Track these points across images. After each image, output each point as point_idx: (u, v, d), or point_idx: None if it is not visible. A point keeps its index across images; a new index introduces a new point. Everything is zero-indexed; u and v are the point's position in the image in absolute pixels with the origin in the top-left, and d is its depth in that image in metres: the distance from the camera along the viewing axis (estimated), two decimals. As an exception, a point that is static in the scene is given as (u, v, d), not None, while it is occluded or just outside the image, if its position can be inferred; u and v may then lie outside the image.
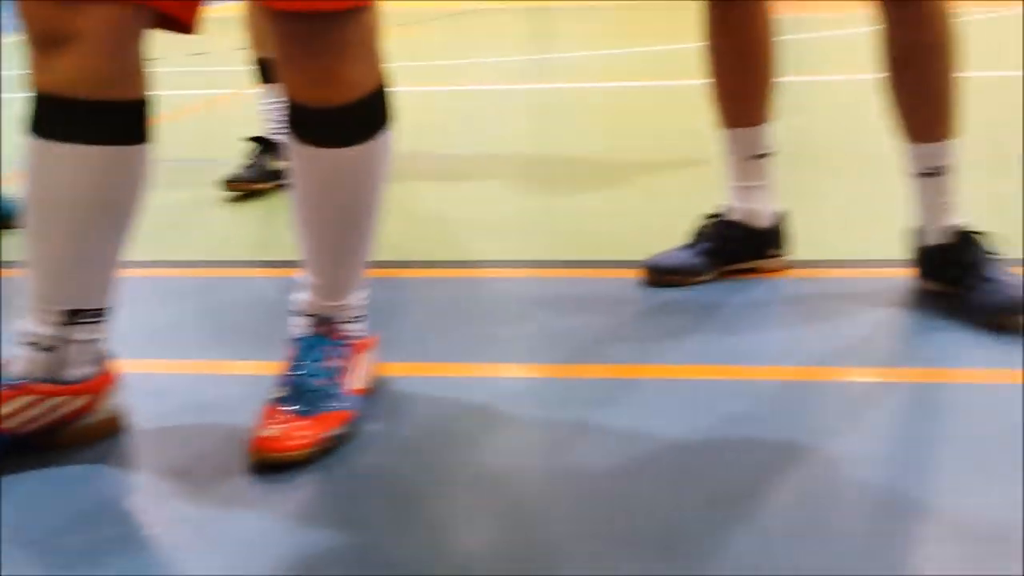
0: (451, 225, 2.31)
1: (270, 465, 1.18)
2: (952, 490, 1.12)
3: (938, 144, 1.65)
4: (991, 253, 1.64)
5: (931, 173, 1.66)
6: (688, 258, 1.82)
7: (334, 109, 1.21)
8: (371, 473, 1.20)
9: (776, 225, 1.85)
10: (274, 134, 2.62)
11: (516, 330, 1.65)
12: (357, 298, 1.36)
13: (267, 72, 2.52)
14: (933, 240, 1.67)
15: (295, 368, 1.29)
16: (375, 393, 1.37)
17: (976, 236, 1.65)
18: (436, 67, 5.36)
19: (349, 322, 1.35)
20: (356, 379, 1.33)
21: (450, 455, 1.25)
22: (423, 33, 7.23)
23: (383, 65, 1.26)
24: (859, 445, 1.22)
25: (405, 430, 1.31)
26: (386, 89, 1.27)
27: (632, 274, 1.82)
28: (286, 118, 1.26)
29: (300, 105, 1.23)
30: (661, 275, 1.81)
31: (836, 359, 1.49)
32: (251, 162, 2.65)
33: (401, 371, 1.45)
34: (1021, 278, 1.59)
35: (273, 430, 1.21)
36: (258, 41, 2.48)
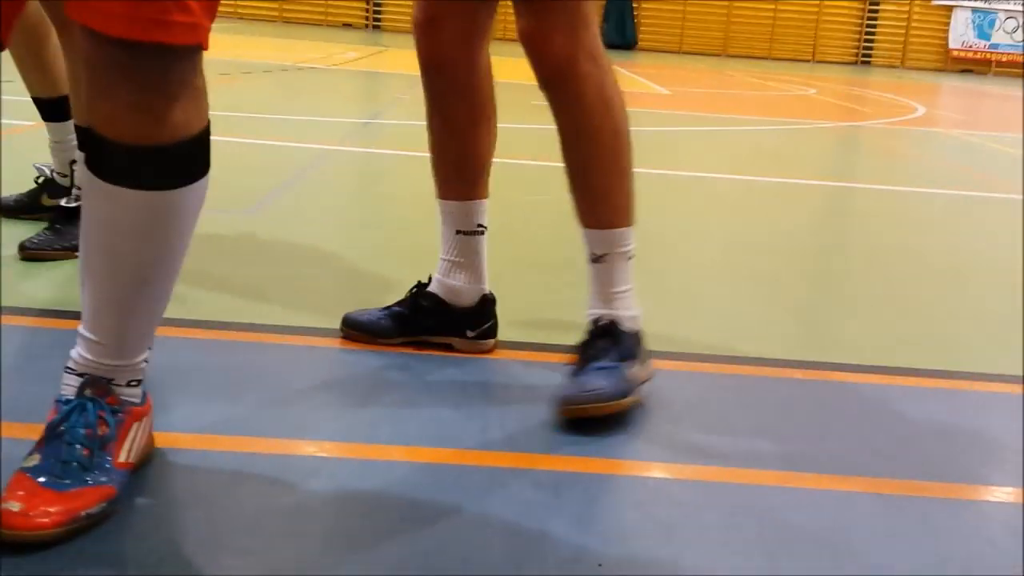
0: (246, 285, 2.20)
1: (9, 544, 1.04)
2: None
3: (604, 231, 1.64)
4: (634, 351, 1.62)
5: (597, 259, 1.65)
6: (378, 319, 1.84)
7: (152, 148, 1.10)
8: (126, 560, 1.07)
9: (479, 305, 1.84)
10: (57, 173, 2.50)
11: (310, 401, 1.57)
12: (139, 359, 1.24)
13: (52, 109, 2.41)
14: (593, 326, 1.65)
15: (55, 434, 1.16)
16: (147, 467, 1.25)
17: (625, 329, 1.62)
18: (258, 120, 5.22)
19: (126, 386, 1.22)
20: (126, 451, 1.20)
21: (214, 545, 1.13)
22: (246, 85, 7.06)
23: (207, 109, 1.16)
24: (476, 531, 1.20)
25: (174, 512, 1.19)
26: (206, 135, 1.17)
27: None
28: (86, 152, 1.14)
29: (111, 140, 1.10)
30: (349, 329, 1.85)
31: (464, 443, 1.45)
32: (22, 196, 2.56)
33: (179, 442, 1.34)
34: (636, 380, 1.59)
35: (16, 504, 1.07)
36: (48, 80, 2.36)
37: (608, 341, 1.62)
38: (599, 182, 1.63)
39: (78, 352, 1.20)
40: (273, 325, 1.91)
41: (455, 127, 1.77)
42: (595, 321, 1.64)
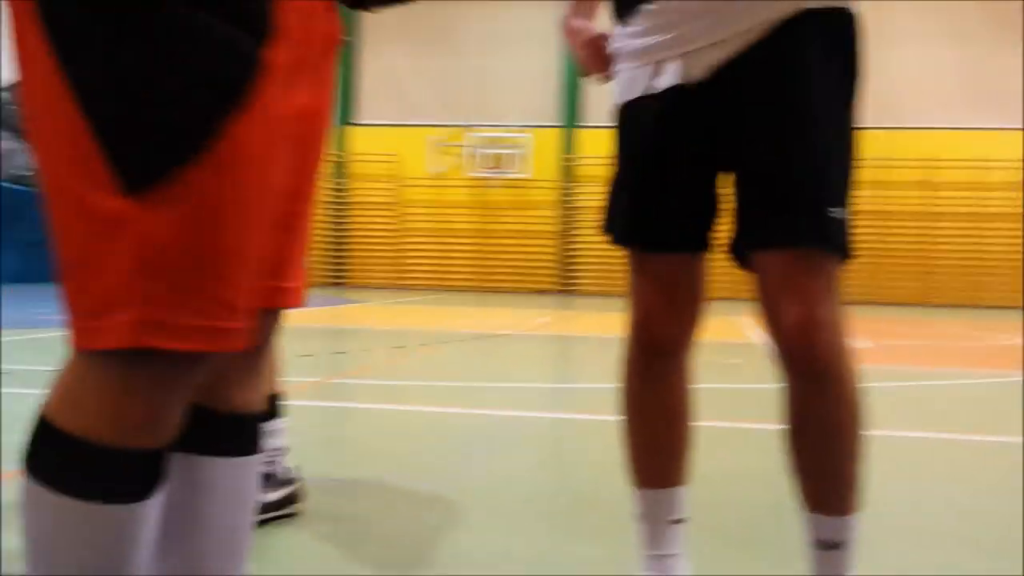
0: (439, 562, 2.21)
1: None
2: None
3: (843, 518, 1.55)
4: None
5: (831, 547, 1.56)
6: None
7: (252, 415, 1.19)
8: None
9: None
10: None
11: None
12: None
13: None
14: None
15: None
16: None
17: None
18: (452, 388, 5.42)
19: None
20: None
21: None
22: (443, 353, 7.40)
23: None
24: None
25: None
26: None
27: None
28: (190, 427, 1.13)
29: (215, 411, 1.18)
30: None
31: None
32: None
33: None
34: None
35: None
36: None
37: None
38: (842, 468, 1.56)
39: None
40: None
41: (675, 411, 1.72)
42: None
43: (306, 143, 1.13)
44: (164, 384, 1.00)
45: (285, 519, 2.46)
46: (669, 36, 1.56)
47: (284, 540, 2.34)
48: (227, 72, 0.95)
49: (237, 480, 1.19)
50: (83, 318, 0.97)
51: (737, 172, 1.57)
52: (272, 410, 2.48)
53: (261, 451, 1.23)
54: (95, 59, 0.92)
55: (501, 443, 3.79)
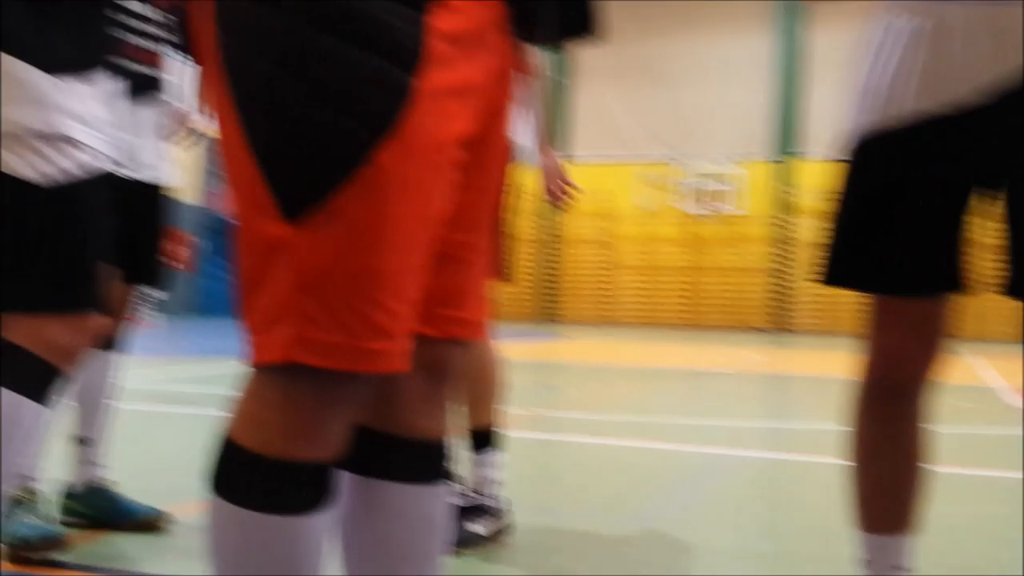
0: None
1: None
2: None
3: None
4: None
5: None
6: None
7: (432, 443, 1.21)
8: None
9: None
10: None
11: None
12: None
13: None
14: None
15: None
16: None
17: None
18: (660, 424, 5.33)
19: None
20: None
21: None
22: (652, 389, 7.30)
23: None
24: None
25: None
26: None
27: None
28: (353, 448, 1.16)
29: (395, 436, 1.19)
30: None
31: None
32: None
33: None
34: None
35: None
36: None
37: None
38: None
39: None
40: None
41: (909, 453, 1.63)
42: None
43: (474, 172, 1.13)
44: (323, 399, 1.04)
45: (494, 551, 2.47)
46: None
47: (492, 572, 2.36)
48: (376, 102, 0.99)
49: (420, 507, 1.20)
50: (253, 335, 1.04)
51: (1013, 204, 1.47)
52: (490, 441, 2.51)
53: (444, 479, 1.23)
54: (259, 93, 1.01)
55: (712, 481, 3.68)
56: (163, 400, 5.40)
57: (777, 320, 20.02)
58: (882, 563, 1.61)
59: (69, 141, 1.62)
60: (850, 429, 1.66)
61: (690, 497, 3.35)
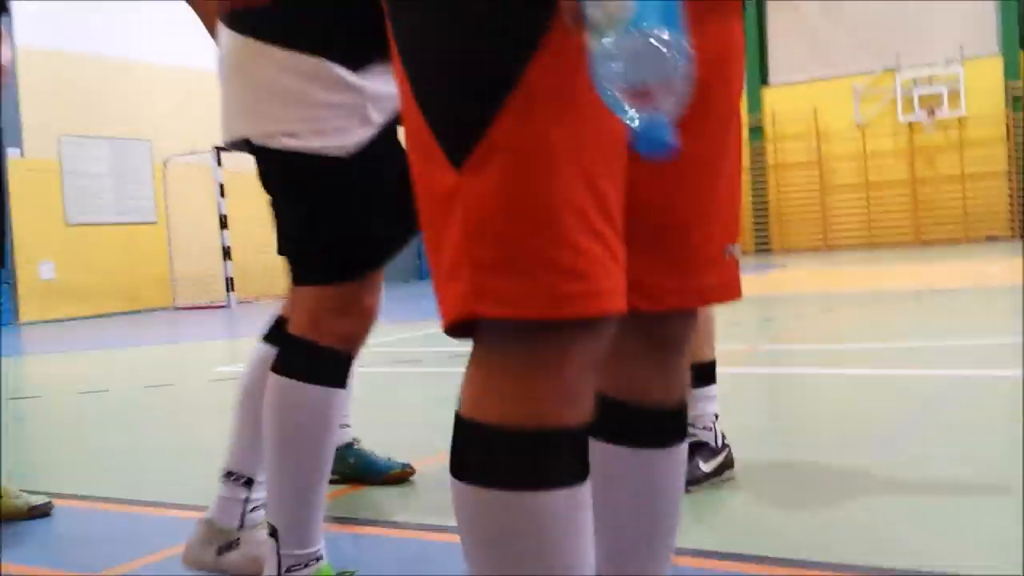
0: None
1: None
2: None
3: None
4: None
5: None
6: None
7: (671, 410, 1.17)
8: None
9: None
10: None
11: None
12: None
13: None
14: None
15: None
16: None
17: None
18: (894, 349, 5.10)
19: None
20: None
21: None
22: (881, 313, 6.97)
23: None
24: None
25: None
26: None
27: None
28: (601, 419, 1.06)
29: (631, 404, 1.15)
30: None
31: None
32: None
33: None
34: None
35: None
36: None
37: None
38: None
39: None
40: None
41: None
42: None
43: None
44: (550, 358, 0.94)
45: (718, 486, 2.47)
46: None
47: (717, 507, 2.36)
48: (516, 18, 0.92)
49: (658, 470, 1.17)
50: (438, 295, 0.97)
51: None
52: (709, 376, 2.50)
53: (683, 441, 1.20)
54: (412, 39, 0.97)
55: (958, 408, 3.49)
56: (398, 362, 5.69)
57: (1020, 226, 18.54)
58: None
59: (364, 116, 1.68)
60: None
61: (936, 426, 3.19)
